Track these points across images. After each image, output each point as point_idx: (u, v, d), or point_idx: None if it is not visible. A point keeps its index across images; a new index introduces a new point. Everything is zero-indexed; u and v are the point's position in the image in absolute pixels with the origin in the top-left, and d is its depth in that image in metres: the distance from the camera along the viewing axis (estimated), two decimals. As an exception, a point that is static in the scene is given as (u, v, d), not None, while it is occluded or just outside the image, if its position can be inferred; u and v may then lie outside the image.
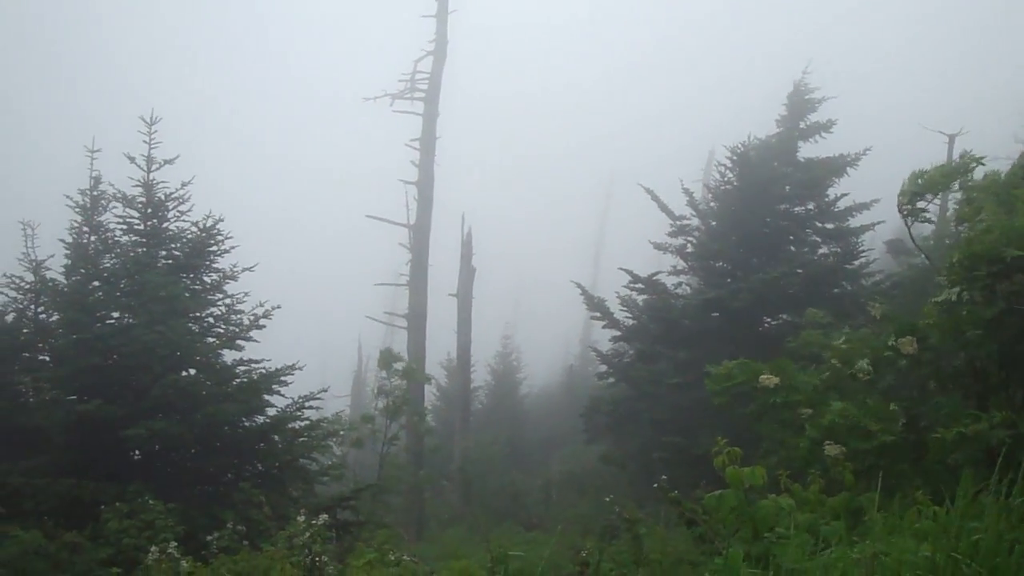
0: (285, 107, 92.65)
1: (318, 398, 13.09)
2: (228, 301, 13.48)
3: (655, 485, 10.72)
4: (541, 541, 15.11)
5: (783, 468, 5.37)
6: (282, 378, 12.81)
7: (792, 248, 20.78)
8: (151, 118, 13.24)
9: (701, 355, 18.15)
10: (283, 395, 13.01)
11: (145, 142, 13.29)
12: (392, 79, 26.38)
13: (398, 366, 15.25)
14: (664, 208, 22.16)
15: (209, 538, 9.41)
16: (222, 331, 13.37)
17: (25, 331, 14.51)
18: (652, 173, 29.07)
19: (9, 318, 14.67)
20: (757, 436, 8.65)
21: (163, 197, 13.45)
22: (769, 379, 7.55)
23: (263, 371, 12.92)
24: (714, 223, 21.87)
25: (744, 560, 3.36)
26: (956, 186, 8.37)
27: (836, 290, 19.07)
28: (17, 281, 14.85)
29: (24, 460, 11.78)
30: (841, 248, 20.26)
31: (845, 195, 20.66)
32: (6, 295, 14.87)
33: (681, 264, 22.64)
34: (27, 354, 14.34)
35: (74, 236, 14.86)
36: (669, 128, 70.69)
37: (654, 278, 21.66)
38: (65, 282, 14.29)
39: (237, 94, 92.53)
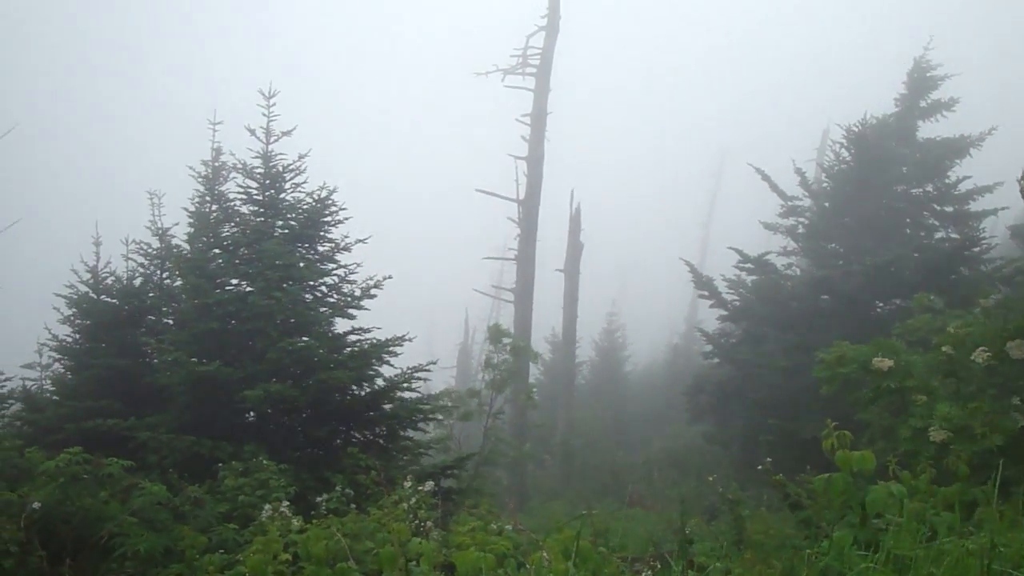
0: (397, 82, 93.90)
1: (427, 369, 13.29)
2: (341, 271, 13.80)
3: (759, 468, 10.61)
4: (641, 518, 15.14)
5: (891, 455, 5.25)
6: (392, 348, 13.07)
7: (908, 231, 20.14)
8: (269, 91, 13.58)
9: (809, 338, 17.83)
10: (392, 365, 13.28)
11: (264, 115, 13.64)
12: (504, 54, 26.44)
13: (506, 341, 15.35)
14: (775, 188, 21.74)
15: (319, 499, 9.67)
16: (334, 300, 13.72)
17: (151, 295, 15.24)
18: (763, 151, 28.54)
19: (137, 283, 15.43)
20: (864, 422, 8.45)
21: (280, 168, 13.82)
22: (883, 362, 7.33)
23: (374, 340, 13.21)
24: (827, 204, 21.36)
25: (851, 545, 3.31)
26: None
27: (953, 276, 18.35)
28: (144, 247, 15.60)
29: (149, 417, 12.42)
30: (960, 233, 19.51)
31: (967, 178, 19.88)
32: (135, 261, 15.64)
33: (791, 245, 22.26)
34: (152, 317, 15.06)
35: (197, 205, 15.49)
36: (781, 106, 69.00)
37: (763, 258, 21.31)
38: (188, 249, 14.93)
39: (350, 69, 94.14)
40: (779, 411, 18.10)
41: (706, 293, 22.16)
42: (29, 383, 16.29)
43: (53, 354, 15.85)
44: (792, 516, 8.10)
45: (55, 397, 14.92)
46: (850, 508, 3.64)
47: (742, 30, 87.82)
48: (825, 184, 22.50)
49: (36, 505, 7.30)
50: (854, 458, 3.47)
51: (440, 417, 14.63)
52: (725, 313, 22.35)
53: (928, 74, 20.57)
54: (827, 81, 64.24)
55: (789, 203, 21.89)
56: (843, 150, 21.00)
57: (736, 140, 59.36)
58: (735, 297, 22.05)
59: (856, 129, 20.37)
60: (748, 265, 21.44)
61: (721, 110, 73.46)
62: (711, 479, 14.03)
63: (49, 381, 16.21)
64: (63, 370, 15.84)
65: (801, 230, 21.76)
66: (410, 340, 13.33)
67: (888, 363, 7.28)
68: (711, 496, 14.41)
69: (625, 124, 78.49)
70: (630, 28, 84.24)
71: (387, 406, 13.19)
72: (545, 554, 4.38)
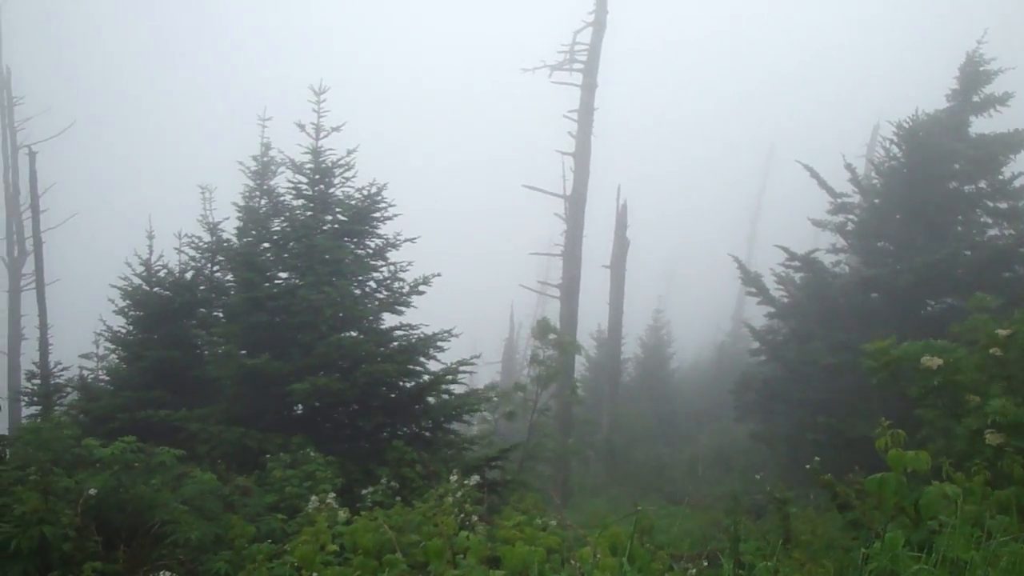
0: (445, 78, 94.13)
1: (472, 364, 13.34)
2: (390, 268, 13.88)
3: (807, 467, 10.49)
4: (686, 515, 15.04)
5: (944, 456, 5.17)
6: (438, 343, 13.14)
7: (960, 228, 19.75)
8: (319, 88, 13.70)
9: (858, 336, 17.56)
10: (438, 360, 13.34)
11: (314, 111, 13.75)
12: (551, 50, 26.38)
13: (552, 336, 15.34)
14: (824, 185, 21.47)
15: (364, 492, 9.76)
16: (383, 296, 13.81)
17: (202, 288, 15.50)
18: (812, 147, 28.19)
19: (188, 275, 15.70)
20: (916, 422, 8.33)
21: (330, 164, 13.93)
22: (931, 361, 7.22)
23: (420, 335, 13.29)
24: (877, 201, 21.04)
25: (904, 546, 3.26)
26: None
27: (1008, 274, 17.94)
28: (196, 241, 15.87)
29: (199, 408, 12.63)
30: (1015, 229, 19.07)
31: (1022, 173, 19.42)
32: (186, 254, 15.92)
33: (840, 242, 21.96)
34: (203, 310, 15.31)
35: (247, 200, 15.71)
36: (830, 102, 68.09)
37: (811, 256, 21.08)
38: (238, 243, 15.14)
39: (397, 65, 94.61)
40: (826, 410, 17.89)
41: (754, 290, 21.96)
42: (86, 373, 16.68)
43: (108, 345, 16.20)
44: (840, 516, 8.01)
45: (110, 387, 15.25)
46: (902, 509, 3.59)
47: (791, 25, 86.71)
48: (875, 181, 22.14)
49: (92, 491, 7.45)
50: (908, 458, 3.42)
51: (484, 411, 14.68)
52: (772, 310, 22.15)
53: (981, 68, 20.13)
54: (877, 76, 63.27)
55: (838, 200, 21.60)
56: (894, 146, 20.65)
57: (784, 136, 58.62)
58: (783, 294, 21.84)
59: (907, 125, 20.02)
60: (796, 263, 21.23)
61: (769, 106, 72.73)
62: (758, 477, 13.92)
63: (104, 371, 16.57)
64: (117, 360, 16.19)
65: (850, 227, 21.45)
66: (456, 335, 13.39)
67: (937, 361, 7.17)
68: (756, 494, 14.29)
69: (672, 120, 78.01)
70: (677, 23, 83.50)
71: (432, 400, 13.25)
72: (592, 550, 4.38)
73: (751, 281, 21.90)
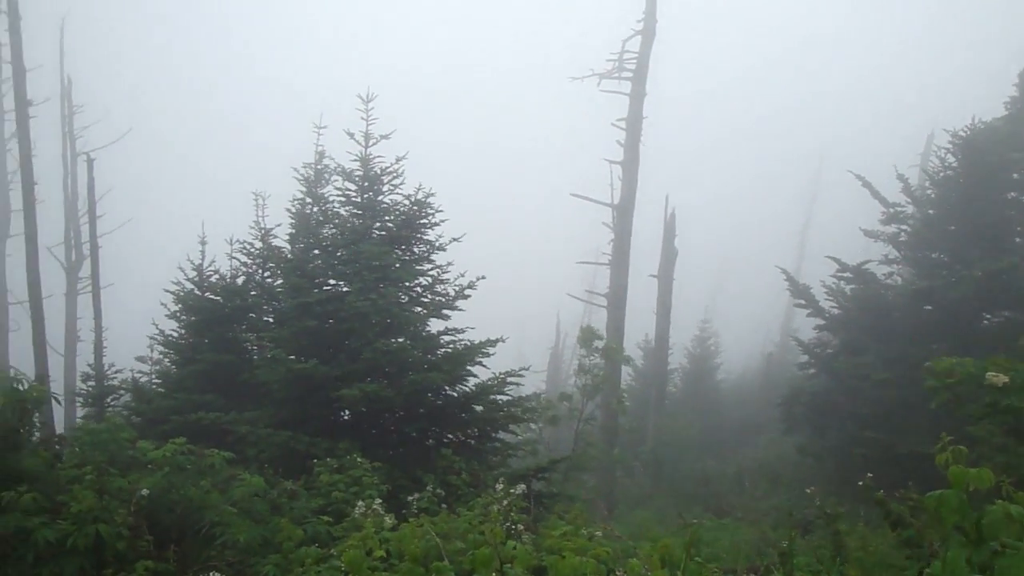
0: (493, 85, 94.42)
1: (520, 374, 13.32)
2: (435, 272, 13.93)
3: (859, 483, 10.31)
4: (732, 528, 14.89)
5: (1004, 475, 5.04)
6: (485, 350, 13.15)
7: (1018, 240, 19.33)
8: (367, 96, 13.79)
9: (911, 350, 17.30)
10: (485, 366, 13.35)
11: (362, 119, 13.86)
12: (600, 58, 26.36)
13: (598, 344, 15.29)
14: (876, 195, 21.16)
15: (410, 498, 9.77)
16: (428, 300, 13.86)
17: (252, 293, 15.70)
18: (864, 157, 27.81)
19: (239, 281, 15.90)
20: (971, 439, 8.14)
21: (379, 171, 14.03)
22: (997, 377, 7.04)
23: (467, 343, 13.31)
24: (931, 211, 20.66)
25: (964, 567, 3.18)
26: None
27: (1070, 288, 17.53)
28: (248, 247, 16.08)
29: (248, 411, 12.77)
30: (1078, 243, 18.65)
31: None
32: (238, 260, 16.14)
33: (893, 253, 21.59)
34: (253, 315, 15.49)
35: (298, 207, 15.88)
36: (883, 111, 67.15)
37: (863, 267, 20.78)
38: (289, 249, 15.30)
39: (445, 71, 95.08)
40: (877, 425, 17.62)
41: (803, 302, 21.70)
42: (139, 375, 16.96)
43: (161, 348, 16.47)
44: (893, 534, 7.86)
45: (161, 389, 15.48)
46: (961, 529, 3.50)
47: (841, 33, 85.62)
48: (929, 191, 21.76)
49: (144, 492, 7.58)
50: (970, 475, 3.34)
51: (530, 420, 14.66)
52: (822, 323, 21.85)
53: (1040, 74, 19.79)
54: (931, 85, 62.25)
55: (891, 210, 21.26)
56: (949, 156, 20.30)
57: (835, 146, 57.81)
58: (833, 306, 21.55)
59: (964, 134, 19.67)
60: (847, 274, 20.94)
61: (820, 115, 71.79)
62: (808, 492, 13.72)
63: (156, 374, 16.84)
64: (169, 364, 16.44)
65: (904, 238, 21.10)
66: (503, 342, 13.38)
67: (1003, 379, 6.99)
68: (804, 509, 14.09)
69: (721, 129, 77.44)
70: (727, 33, 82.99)
71: (478, 408, 13.27)
72: (642, 562, 4.34)
73: (800, 293, 21.65)
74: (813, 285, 22.02)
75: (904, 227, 21.20)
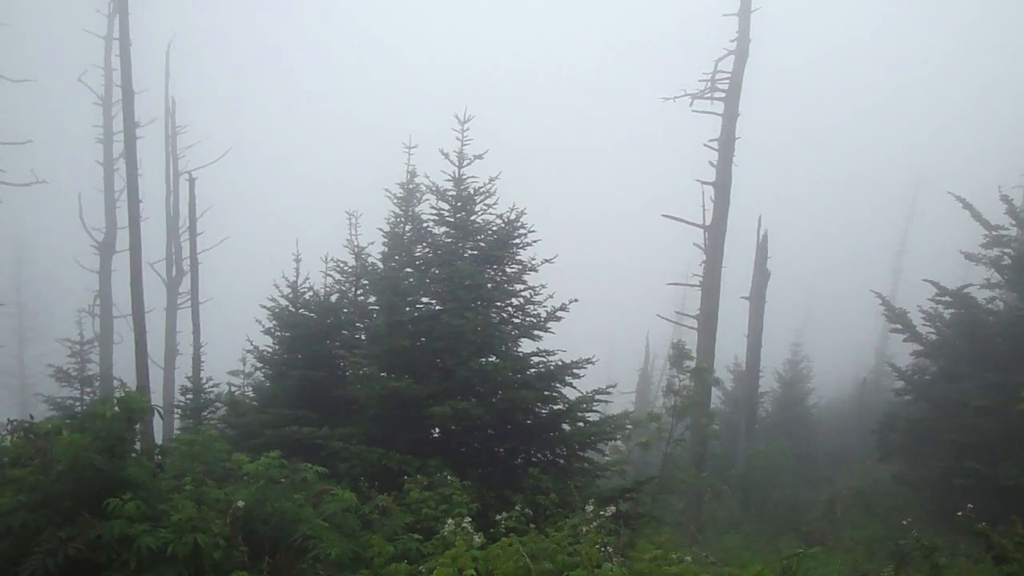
0: (582, 104, 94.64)
1: (608, 392, 13.24)
2: (527, 292, 13.94)
3: (959, 514, 9.92)
4: (823, 558, 14.50)
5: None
6: (575, 370, 13.10)
7: None
8: (464, 116, 13.90)
9: (1014, 377, 16.67)
10: (574, 387, 13.30)
11: (458, 139, 13.96)
12: (691, 79, 26.13)
13: (688, 363, 15.09)
14: (978, 217, 20.42)
15: (498, 517, 9.77)
16: (520, 321, 13.88)
17: (346, 311, 15.96)
18: (963, 179, 26.89)
19: (333, 298, 16.21)
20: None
21: (472, 191, 14.12)
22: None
23: (558, 362, 13.27)
24: (1037, 233, 19.86)
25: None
26: None
27: None
28: (342, 265, 16.37)
29: (341, 427, 12.95)
30: None
31: None
32: (332, 277, 16.45)
33: (995, 277, 20.78)
34: (346, 332, 15.76)
35: (391, 225, 16.12)
36: (983, 131, 64.97)
37: (963, 291, 20.06)
38: (382, 267, 15.53)
39: (539, 88, 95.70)
40: (977, 454, 16.95)
41: (899, 326, 21.05)
42: (234, 389, 17.41)
43: (255, 363, 16.87)
44: (996, 568, 7.55)
45: (255, 403, 15.84)
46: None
47: (940, 56, 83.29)
48: (1036, 213, 20.94)
49: (240, 503, 7.73)
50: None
51: (618, 440, 14.53)
52: (920, 348, 21.16)
53: None
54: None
55: (994, 232, 20.51)
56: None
57: (933, 167, 56.17)
58: (931, 331, 20.86)
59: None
60: (946, 298, 20.25)
61: (917, 135, 69.85)
62: (905, 523, 13.27)
63: (251, 388, 17.25)
64: (263, 378, 16.82)
65: (1007, 261, 20.29)
66: (593, 363, 13.31)
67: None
68: (900, 540, 13.63)
69: (815, 149, 76.00)
70: (821, 52, 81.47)
71: (567, 427, 13.21)
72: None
73: (896, 317, 21.01)
74: (909, 309, 21.36)
75: (1007, 250, 20.43)
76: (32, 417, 9.18)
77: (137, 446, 9.34)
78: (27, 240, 50.66)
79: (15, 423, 8.61)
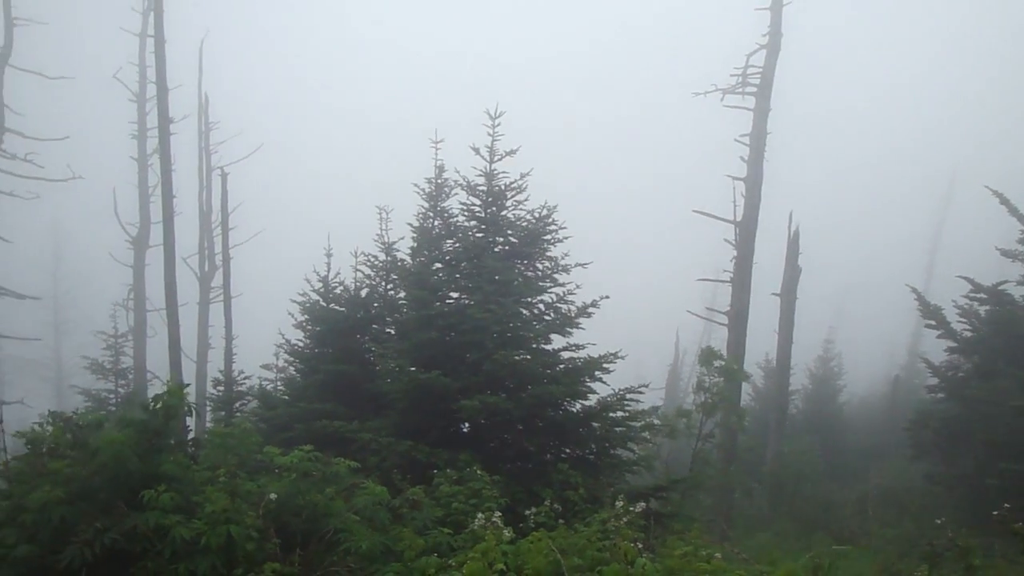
0: (612, 101, 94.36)
1: (640, 391, 13.19)
2: (559, 291, 13.91)
3: (995, 514, 9.81)
4: (854, 557, 14.42)
5: None
6: (605, 365, 13.08)
7: None
8: (495, 112, 13.87)
9: (1054, 375, 16.41)
10: (604, 382, 13.28)
11: (489, 134, 13.91)
12: (723, 73, 25.94)
13: (718, 363, 15.03)
14: (1015, 212, 20.15)
15: (527, 512, 9.80)
16: (550, 318, 13.87)
17: (375, 305, 16.05)
18: (999, 174, 26.51)
19: (363, 293, 16.29)
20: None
21: (503, 187, 14.11)
22: None
23: (587, 357, 13.27)
24: (1076, 228, 19.57)
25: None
26: None
27: None
28: (371, 260, 16.45)
29: (370, 420, 13.03)
30: None
31: None
32: (362, 272, 16.53)
33: (1033, 274, 20.51)
34: (376, 326, 15.84)
35: (421, 220, 16.16)
36: (1018, 123, 63.97)
37: (1000, 288, 19.81)
38: (411, 262, 15.58)
39: (567, 83, 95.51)
40: (1013, 453, 16.73)
41: (933, 323, 20.82)
42: (266, 383, 17.56)
43: (287, 357, 17.00)
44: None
45: (286, 397, 15.97)
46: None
47: (975, 43, 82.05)
48: (1074, 208, 20.63)
49: (273, 496, 7.82)
50: None
51: (648, 436, 14.50)
52: (954, 345, 20.92)
53: None
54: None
55: (1031, 229, 20.24)
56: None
57: (968, 163, 55.38)
58: (966, 328, 20.61)
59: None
60: (982, 295, 20.00)
61: (952, 131, 68.92)
62: (939, 522, 13.13)
63: (282, 381, 17.39)
64: (294, 372, 16.95)
65: (1045, 257, 20.06)
66: (623, 358, 13.28)
67: None
68: (934, 539, 13.50)
69: (847, 145, 75.23)
70: (855, 46, 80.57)
71: (597, 424, 13.20)
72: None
73: (931, 314, 20.79)
74: (943, 306, 21.12)
75: (1046, 245, 20.16)
76: (77, 411, 9.33)
77: (172, 440, 9.47)
78: (63, 235, 51.44)
79: (56, 415, 8.77)
